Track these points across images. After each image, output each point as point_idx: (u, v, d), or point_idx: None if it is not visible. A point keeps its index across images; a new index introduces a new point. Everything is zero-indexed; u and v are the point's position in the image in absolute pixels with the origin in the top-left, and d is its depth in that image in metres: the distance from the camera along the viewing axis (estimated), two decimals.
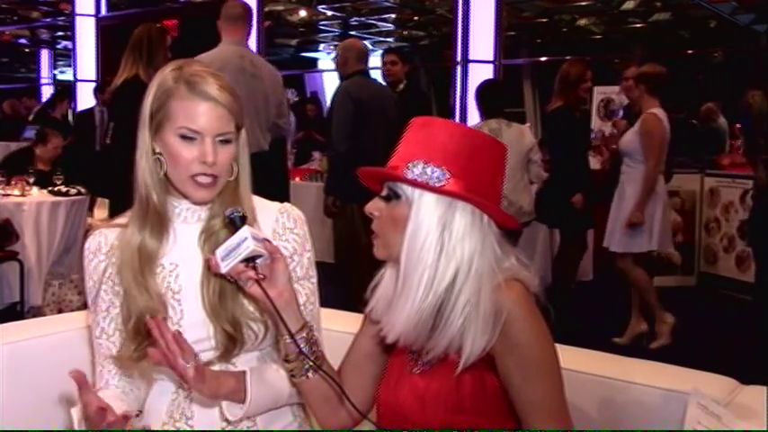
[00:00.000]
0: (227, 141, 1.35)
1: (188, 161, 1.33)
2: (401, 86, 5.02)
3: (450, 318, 1.19)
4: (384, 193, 1.26)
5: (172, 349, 1.24)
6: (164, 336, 1.24)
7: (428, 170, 1.20)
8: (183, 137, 1.32)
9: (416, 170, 1.20)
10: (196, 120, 1.32)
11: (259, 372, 1.37)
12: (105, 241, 1.43)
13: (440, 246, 1.19)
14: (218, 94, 1.33)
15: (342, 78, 4.38)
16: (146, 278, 1.37)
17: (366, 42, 11.32)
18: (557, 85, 4.50)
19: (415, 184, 1.21)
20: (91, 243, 1.44)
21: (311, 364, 1.30)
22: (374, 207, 1.26)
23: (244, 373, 1.36)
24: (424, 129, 1.25)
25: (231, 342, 1.37)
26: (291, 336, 1.28)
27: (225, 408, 1.35)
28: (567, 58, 5.44)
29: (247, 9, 3.91)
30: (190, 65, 1.37)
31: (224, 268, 1.25)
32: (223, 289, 1.37)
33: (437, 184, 1.19)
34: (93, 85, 8.26)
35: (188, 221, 1.42)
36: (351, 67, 4.29)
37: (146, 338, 1.34)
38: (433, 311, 1.20)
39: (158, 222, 1.39)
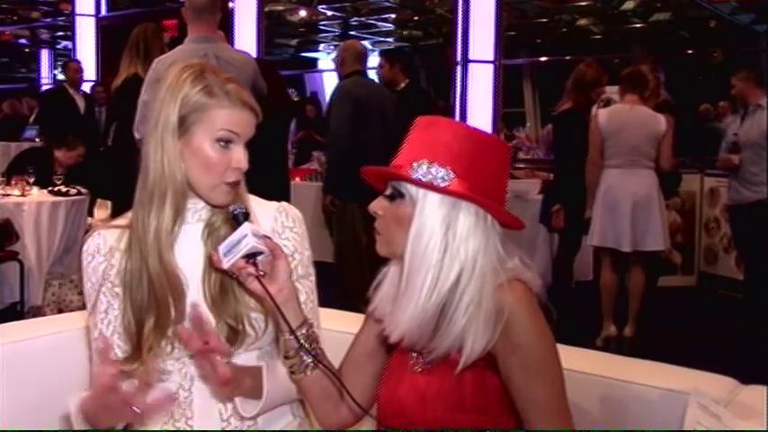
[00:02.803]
0: (247, 145, 1.38)
1: (222, 167, 1.35)
2: (402, 85, 5.02)
3: (453, 317, 1.19)
4: (388, 192, 1.25)
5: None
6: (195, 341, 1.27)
7: (432, 170, 1.20)
8: (221, 140, 1.34)
9: (421, 170, 1.20)
10: (234, 126, 1.35)
11: (273, 368, 1.38)
12: (104, 243, 1.43)
13: (444, 245, 1.20)
14: (252, 102, 1.37)
15: (340, 78, 4.39)
16: (168, 261, 1.36)
17: (366, 42, 11.33)
18: (570, 85, 4.44)
19: (419, 183, 1.21)
20: (89, 245, 1.44)
21: (311, 360, 1.31)
22: (378, 206, 1.26)
23: (259, 369, 1.36)
24: (429, 128, 1.25)
25: (233, 336, 1.37)
26: (292, 331, 1.28)
27: (238, 404, 1.36)
28: (567, 58, 5.44)
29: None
30: (213, 72, 1.37)
31: (225, 264, 1.26)
32: (225, 283, 1.38)
33: (441, 184, 1.20)
34: (90, 84, 8.25)
35: (188, 221, 1.42)
36: (348, 67, 4.30)
37: (151, 333, 1.35)
38: (436, 311, 1.20)
39: (174, 216, 1.37)
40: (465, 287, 1.19)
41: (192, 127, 1.34)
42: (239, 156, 1.35)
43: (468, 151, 1.22)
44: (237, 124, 1.35)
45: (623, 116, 4.19)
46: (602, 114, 4.24)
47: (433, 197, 1.21)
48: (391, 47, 12.83)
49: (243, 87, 1.38)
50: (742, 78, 4.79)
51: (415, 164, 1.21)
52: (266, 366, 1.37)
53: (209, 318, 1.36)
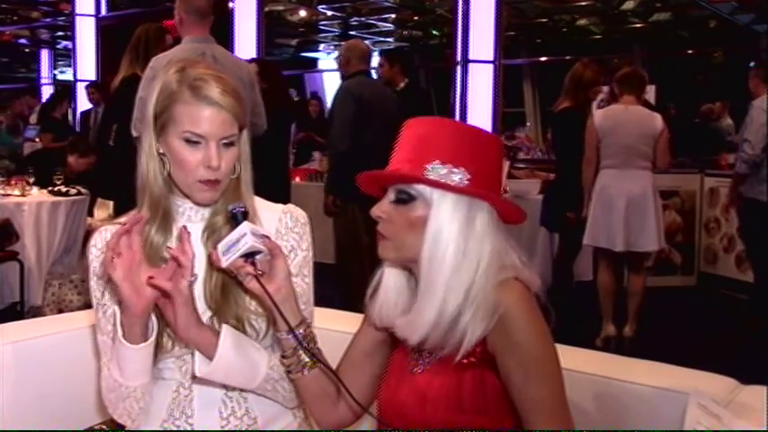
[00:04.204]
0: (230, 144, 1.36)
1: (193, 165, 1.33)
2: (402, 85, 5.02)
3: (464, 314, 1.19)
4: (394, 196, 1.24)
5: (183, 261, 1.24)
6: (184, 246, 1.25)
7: (447, 170, 1.20)
8: (188, 141, 1.33)
9: (437, 171, 1.20)
10: (200, 124, 1.32)
11: (238, 338, 1.35)
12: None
13: (463, 247, 1.20)
14: (222, 99, 1.33)
15: (344, 78, 4.38)
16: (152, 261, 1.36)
17: (366, 42, 11.31)
18: (567, 85, 4.44)
19: (438, 185, 1.20)
20: (97, 240, 1.44)
21: (309, 358, 1.30)
22: (382, 210, 1.25)
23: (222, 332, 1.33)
24: (429, 129, 1.24)
25: None
26: (291, 329, 1.28)
27: (197, 361, 1.33)
28: (567, 58, 5.44)
29: (212, 1, 3.56)
30: (193, 66, 1.37)
31: (224, 263, 1.26)
32: (226, 285, 1.37)
33: (460, 185, 1.20)
34: (86, 83, 8.24)
35: (192, 220, 1.42)
36: (353, 66, 4.30)
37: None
38: (455, 311, 1.19)
39: (164, 219, 1.40)
40: (477, 285, 1.19)
41: (166, 125, 1.34)
42: (210, 154, 1.32)
43: (475, 150, 1.22)
44: (201, 124, 1.32)
45: (618, 116, 4.19)
46: (597, 114, 4.27)
47: (450, 198, 1.20)
48: (391, 47, 12.82)
49: (222, 83, 1.35)
50: (751, 76, 4.79)
51: (428, 165, 1.20)
52: (227, 330, 1.33)
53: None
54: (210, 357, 1.31)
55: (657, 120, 4.20)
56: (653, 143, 4.16)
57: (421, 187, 1.21)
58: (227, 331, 1.32)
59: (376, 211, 1.25)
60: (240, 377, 1.36)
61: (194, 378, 1.38)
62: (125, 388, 1.35)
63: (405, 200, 1.23)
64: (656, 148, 4.17)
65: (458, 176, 1.20)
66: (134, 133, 3.08)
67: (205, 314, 1.37)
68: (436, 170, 1.20)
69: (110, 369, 1.36)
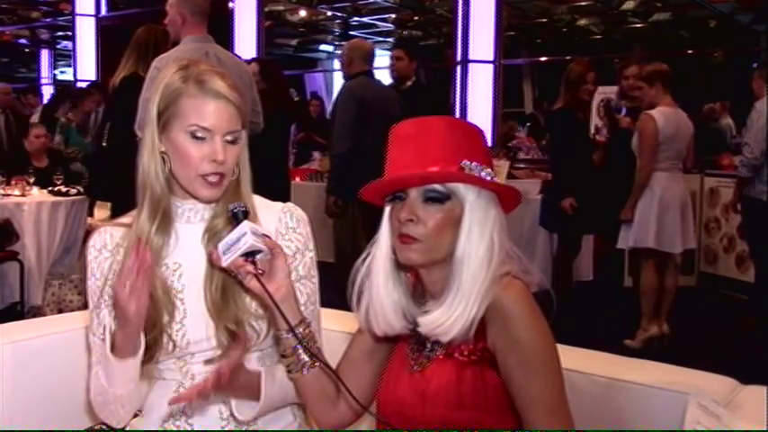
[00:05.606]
0: (234, 140, 1.36)
1: (198, 160, 1.33)
2: (408, 83, 5.00)
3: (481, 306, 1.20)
4: (422, 196, 1.22)
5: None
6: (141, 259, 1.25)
7: (480, 168, 1.21)
8: (194, 135, 1.33)
9: (473, 168, 1.20)
10: (207, 118, 1.33)
11: (271, 372, 1.37)
12: (111, 239, 1.43)
13: (490, 241, 1.21)
14: (229, 93, 1.34)
15: (346, 78, 4.38)
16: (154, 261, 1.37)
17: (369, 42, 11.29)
18: (561, 85, 4.48)
19: (477, 181, 1.21)
20: (95, 240, 1.44)
21: (308, 358, 1.30)
22: (412, 212, 1.21)
23: (258, 374, 1.36)
24: (443, 128, 1.24)
25: (234, 340, 1.37)
26: (291, 328, 1.28)
27: (234, 407, 1.35)
28: (567, 58, 5.44)
29: (210, 2, 3.56)
30: (196, 64, 1.38)
31: (225, 262, 1.26)
32: (226, 286, 1.37)
33: (490, 181, 1.22)
34: (86, 83, 8.24)
35: (191, 221, 1.42)
36: (356, 67, 4.29)
37: (150, 332, 1.35)
38: (481, 304, 1.20)
39: (164, 220, 1.39)
40: (490, 277, 1.20)
41: (170, 121, 1.34)
42: (215, 148, 1.33)
43: (483, 145, 1.26)
44: (208, 117, 1.32)
45: (674, 120, 4.20)
46: (657, 118, 4.15)
47: (482, 195, 1.21)
48: (399, 43, 12.80)
49: (226, 79, 1.36)
50: (754, 77, 4.79)
51: (463, 163, 1.20)
52: (265, 371, 1.36)
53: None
54: (249, 399, 1.34)
55: (691, 123, 4.31)
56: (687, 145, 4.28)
57: (453, 185, 1.21)
58: (265, 376, 1.35)
59: (406, 213, 1.21)
60: (277, 405, 1.40)
61: (194, 378, 1.39)
62: (111, 394, 1.36)
63: (439, 198, 1.21)
64: (688, 150, 4.29)
65: (485, 172, 1.21)
66: (139, 134, 3.08)
67: (206, 322, 1.38)
68: (471, 167, 1.20)
69: (98, 373, 1.37)
